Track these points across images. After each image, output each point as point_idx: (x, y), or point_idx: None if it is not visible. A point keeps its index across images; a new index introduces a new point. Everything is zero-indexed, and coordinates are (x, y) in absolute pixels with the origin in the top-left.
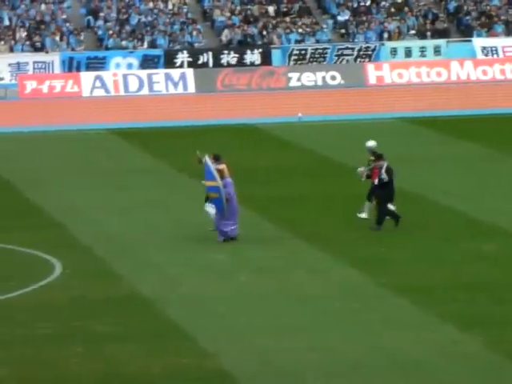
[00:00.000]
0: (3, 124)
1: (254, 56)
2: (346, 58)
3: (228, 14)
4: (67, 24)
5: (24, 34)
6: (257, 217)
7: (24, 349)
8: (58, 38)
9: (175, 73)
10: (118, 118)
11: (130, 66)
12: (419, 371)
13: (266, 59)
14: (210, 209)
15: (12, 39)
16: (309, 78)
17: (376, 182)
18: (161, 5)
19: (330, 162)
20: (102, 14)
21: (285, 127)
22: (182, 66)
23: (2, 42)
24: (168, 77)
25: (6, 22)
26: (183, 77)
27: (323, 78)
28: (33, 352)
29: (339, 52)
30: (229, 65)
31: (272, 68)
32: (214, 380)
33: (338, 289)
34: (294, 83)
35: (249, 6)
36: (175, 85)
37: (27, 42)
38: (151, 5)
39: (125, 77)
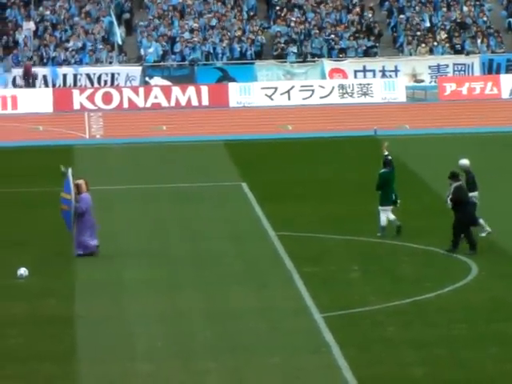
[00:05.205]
0: (422, 125)
1: None
2: None
3: None
4: (488, 26)
5: (444, 36)
6: None
7: (439, 349)
8: (478, 41)
9: None
10: None
11: None
12: None
13: None
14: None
15: (433, 41)
16: None
17: (448, 204)
18: None
19: None
20: None
21: None
22: None
23: (423, 45)
24: None
25: (427, 24)
26: None
27: None
28: (448, 353)
29: None
30: None
31: None
32: None
33: None
34: None
35: None
36: None
37: (447, 44)
38: None
39: None
